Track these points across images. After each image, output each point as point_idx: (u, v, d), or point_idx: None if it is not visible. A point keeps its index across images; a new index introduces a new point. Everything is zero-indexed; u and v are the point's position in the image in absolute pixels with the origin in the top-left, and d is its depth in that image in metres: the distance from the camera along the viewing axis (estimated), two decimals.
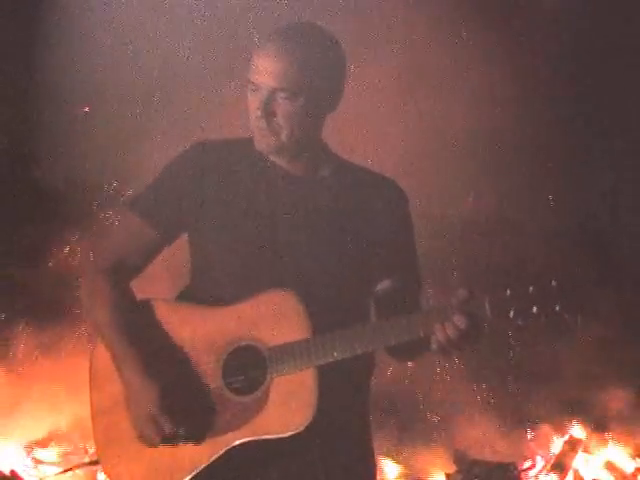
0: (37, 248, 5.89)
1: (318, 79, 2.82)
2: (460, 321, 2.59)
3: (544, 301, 2.48)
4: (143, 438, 2.80)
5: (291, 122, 2.81)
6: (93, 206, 5.94)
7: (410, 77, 5.91)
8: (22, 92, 5.93)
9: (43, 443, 5.81)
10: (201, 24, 5.85)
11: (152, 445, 2.80)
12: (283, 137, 2.82)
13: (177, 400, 2.79)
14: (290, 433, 2.68)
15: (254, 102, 2.82)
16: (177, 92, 5.97)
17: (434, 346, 2.68)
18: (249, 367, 2.76)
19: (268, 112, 2.80)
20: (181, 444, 2.79)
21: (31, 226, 5.89)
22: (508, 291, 2.51)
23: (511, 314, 2.51)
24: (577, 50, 5.88)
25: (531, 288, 2.49)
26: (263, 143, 2.85)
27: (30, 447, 5.79)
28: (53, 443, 5.83)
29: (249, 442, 2.73)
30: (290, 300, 2.74)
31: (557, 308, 2.46)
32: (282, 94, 2.79)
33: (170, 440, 2.78)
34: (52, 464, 5.76)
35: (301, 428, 2.67)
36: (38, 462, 5.75)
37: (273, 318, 2.75)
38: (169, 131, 5.71)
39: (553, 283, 2.46)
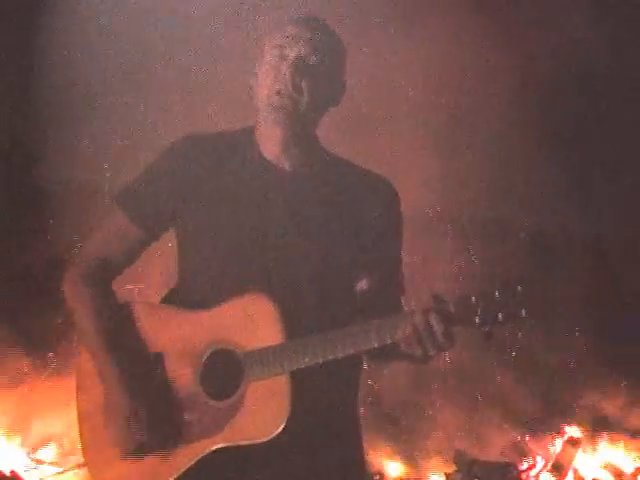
0: (36, 249, 5.92)
1: (335, 63, 2.90)
2: (428, 327, 2.56)
3: (509, 307, 2.45)
4: (118, 443, 2.80)
5: (313, 90, 2.83)
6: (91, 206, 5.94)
7: (410, 74, 5.91)
8: (22, 93, 5.94)
9: (43, 443, 5.84)
10: (205, 24, 5.86)
11: (126, 452, 2.79)
12: (302, 104, 2.82)
13: (150, 409, 2.78)
14: (262, 440, 2.66)
15: (278, 68, 2.84)
16: (179, 91, 5.97)
17: (405, 351, 2.65)
18: (226, 372, 2.74)
19: (297, 74, 2.82)
20: (153, 453, 2.78)
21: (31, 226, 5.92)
22: (473, 297, 2.49)
23: (477, 320, 2.49)
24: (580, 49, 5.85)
25: (497, 293, 2.47)
26: (280, 108, 2.83)
27: (30, 447, 5.82)
28: (53, 443, 5.85)
29: (228, 447, 2.71)
30: (265, 304, 2.72)
31: (523, 314, 2.44)
32: (314, 59, 2.83)
33: (141, 449, 2.78)
34: (52, 464, 5.78)
35: (272, 435, 2.64)
36: (38, 462, 5.77)
37: (249, 322, 2.73)
38: (170, 132, 5.70)
39: (519, 288, 2.44)
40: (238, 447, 2.70)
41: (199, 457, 2.73)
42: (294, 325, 2.70)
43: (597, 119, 5.90)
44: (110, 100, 5.95)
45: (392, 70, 5.93)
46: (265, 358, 2.69)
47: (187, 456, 2.75)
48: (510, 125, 5.76)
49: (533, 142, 5.83)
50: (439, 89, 5.93)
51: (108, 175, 5.91)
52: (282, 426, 2.63)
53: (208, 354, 2.78)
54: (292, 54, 2.84)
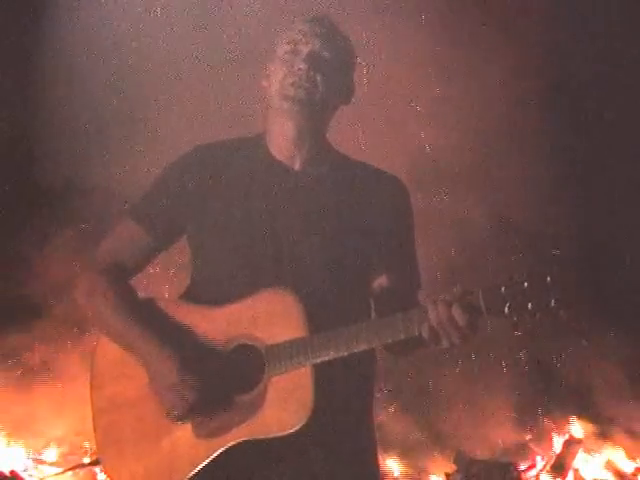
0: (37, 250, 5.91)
1: (346, 60, 2.95)
2: (458, 317, 2.59)
3: (539, 297, 2.48)
4: (171, 413, 2.76)
5: (327, 85, 2.86)
6: (94, 208, 5.94)
7: (418, 73, 5.92)
8: (23, 93, 5.93)
9: (44, 444, 5.82)
10: (205, 24, 5.86)
11: (181, 419, 2.76)
12: (316, 97, 2.86)
13: (194, 369, 2.76)
14: (286, 433, 2.67)
15: (291, 63, 2.87)
16: (181, 93, 5.97)
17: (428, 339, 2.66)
18: (247, 366, 2.75)
19: (312, 68, 2.85)
20: (208, 414, 2.75)
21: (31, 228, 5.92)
22: (503, 288, 2.51)
23: (506, 310, 2.51)
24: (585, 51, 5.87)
25: (526, 284, 2.49)
26: (294, 99, 2.85)
27: (30, 448, 5.80)
28: (53, 443, 5.83)
29: (248, 440, 2.71)
30: (287, 299, 2.74)
31: (552, 304, 2.47)
32: (327, 54, 2.88)
33: (196, 410, 2.75)
34: (52, 464, 5.76)
35: (296, 428, 2.65)
36: (38, 462, 5.76)
37: (271, 317, 2.75)
38: (172, 132, 5.71)
39: (548, 279, 2.46)
40: (256, 441, 2.71)
41: (219, 451, 2.74)
42: (317, 319, 2.72)
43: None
44: (112, 101, 5.94)
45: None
46: (288, 351, 2.71)
47: (207, 450, 2.75)
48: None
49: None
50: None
51: (112, 176, 5.89)
52: (306, 419, 2.65)
53: (229, 349, 2.79)
54: (305, 49, 2.88)
